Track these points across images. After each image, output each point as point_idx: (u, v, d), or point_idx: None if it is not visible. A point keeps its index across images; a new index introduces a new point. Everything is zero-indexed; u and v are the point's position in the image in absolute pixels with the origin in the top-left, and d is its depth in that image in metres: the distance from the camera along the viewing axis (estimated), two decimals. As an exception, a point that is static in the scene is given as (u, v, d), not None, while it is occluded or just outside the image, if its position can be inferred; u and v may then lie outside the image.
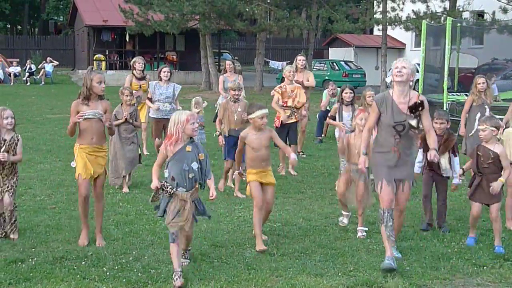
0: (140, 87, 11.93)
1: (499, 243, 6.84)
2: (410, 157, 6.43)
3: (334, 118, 10.02)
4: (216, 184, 7.55)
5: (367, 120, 6.81)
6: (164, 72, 11.31)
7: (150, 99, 11.39)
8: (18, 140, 7.02)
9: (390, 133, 6.26)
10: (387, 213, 6.24)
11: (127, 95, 9.66)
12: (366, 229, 7.44)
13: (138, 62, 12.01)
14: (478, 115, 10.00)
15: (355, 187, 7.43)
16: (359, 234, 7.33)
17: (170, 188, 5.85)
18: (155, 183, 5.86)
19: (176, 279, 5.71)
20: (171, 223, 5.87)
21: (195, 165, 5.91)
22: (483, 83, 10.28)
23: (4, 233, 7.02)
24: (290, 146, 10.24)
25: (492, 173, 6.80)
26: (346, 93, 9.73)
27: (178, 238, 5.89)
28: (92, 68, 7.17)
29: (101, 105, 6.85)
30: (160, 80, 11.32)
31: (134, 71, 12.10)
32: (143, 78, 12.02)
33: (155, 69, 29.07)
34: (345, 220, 7.70)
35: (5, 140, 6.92)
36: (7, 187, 7.00)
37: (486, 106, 10.24)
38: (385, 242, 6.24)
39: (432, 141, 6.38)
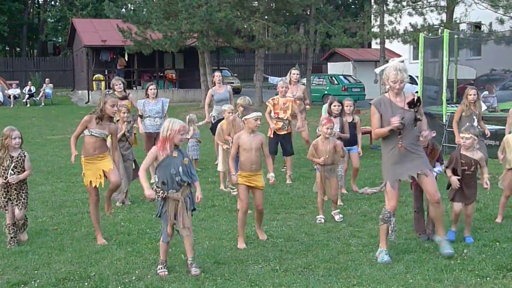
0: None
1: (469, 234, 7.57)
2: (418, 150, 6.77)
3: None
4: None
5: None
6: (151, 89, 11.79)
7: (141, 116, 11.56)
8: (24, 156, 7.59)
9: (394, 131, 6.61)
10: (392, 216, 6.76)
11: (124, 112, 9.77)
12: (339, 210, 8.87)
13: (116, 84, 11.86)
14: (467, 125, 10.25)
15: (329, 183, 8.69)
16: (337, 217, 8.71)
17: (162, 192, 6.34)
18: (148, 193, 6.33)
19: (160, 268, 6.45)
20: (169, 224, 6.41)
21: (181, 169, 6.37)
22: (474, 94, 10.71)
23: (17, 241, 7.61)
24: (285, 157, 11.66)
25: (470, 178, 7.56)
26: (335, 106, 10.07)
27: (169, 239, 6.52)
28: (109, 91, 8.05)
29: (109, 128, 7.60)
30: (148, 97, 11.73)
31: (115, 93, 11.97)
32: (124, 97, 11.91)
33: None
34: (323, 220, 8.66)
35: (12, 157, 7.47)
36: (17, 202, 7.57)
37: (475, 117, 10.64)
38: (381, 235, 6.90)
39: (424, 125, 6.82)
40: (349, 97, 11.23)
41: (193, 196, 6.56)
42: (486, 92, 18.01)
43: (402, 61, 6.94)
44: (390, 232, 6.82)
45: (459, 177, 7.51)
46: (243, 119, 7.57)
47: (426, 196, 7.04)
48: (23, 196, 7.62)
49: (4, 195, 7.54)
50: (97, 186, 7.64)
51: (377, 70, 7.17)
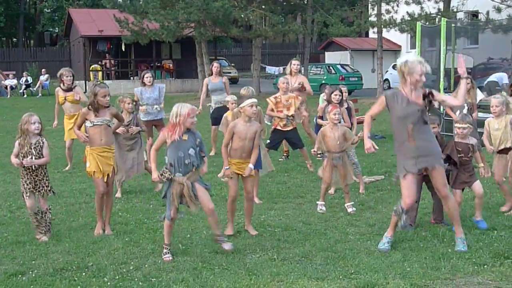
0: (65, 99, 11.80)
1: (481, 217, 7.64)
2: (430, 143, 6.71)
3: (322, 118, 10.63)
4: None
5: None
6: (147, 77, 11.78)
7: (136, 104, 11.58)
8: (43, 143, 7.45)
9: (403, 125, 6.56)
10: (404, 213, 6.73)
11: (128, 103, 9.69)
12: (352, 203, 8.63)
13: (65, 75, 11.76)
14: (457, 113, 10.50)
15: (338, 171, 8.56)
16: (349, 210, 8.46)
17: (168, 174, 6.44)
18: (154, 176, 6.53)
19: (165, 253, 6.57)
20: (172, 206, 6.52)
21: (192, 151, 6.47)
22: (468, 83, 10.55)
23: (45, 231, 7.48)
24: (301, 150, 11.44)
25: (467, 164, 7.62)
26: (336, 94, 10.16)
27: (174, 219, 6.64)
28: (97, 81, 7.69)
29: (109, 112, 7.63)
30: (144, 85, 11.74)
31: (61, 84, 11.88)
32: (69, 89, 11.83)
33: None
34: (324, 208, 8.60)
35: (30, 144, 7.36)
36: (40, 189, 7.47)
37: (466, 105, 10.76)
38: (391, 224, 6.93)
39: (462, 89, 6.77)
40: (341, 84, 11.35)
41: (202, 181, 6.69)
42: (504, 93, 17.82)
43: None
44: (400, 226, 6.88)
45: (455, 165, 7.56)
46: (239, 108, 7.57)
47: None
48: (46, 184, 7.49)
49: (28, 182, 7.40)
50: (101, 177, 7.58)
51: (399, 60, 6.97)
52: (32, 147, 7.35)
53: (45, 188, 7.49)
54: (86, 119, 7.61)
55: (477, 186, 7.65)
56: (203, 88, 13.40)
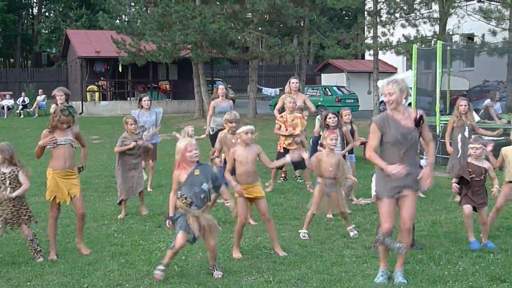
0: None
1: (487, 239, 7.77)
2: (415, 168, 6.40)
3: (322, 145, 10.06)
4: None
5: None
6: (145, 101, 11.87)
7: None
8: (18, 171, 7.36)
9: (396, 150, 6.24)
10: (387, 237, 6.36)
11: (131, 124, 9.79)
12: (354, 226, 8.54)
13: (58, 96, 11.73)
14: (460, 136, 10.69)
15: (328, 199, 8.32)
16: (352, 234, 8.35)
17: (185, 204, 6.47)
18: (171, 214, 6.57)
19: (160, 269, 6.52)
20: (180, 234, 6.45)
21: (205, 186, 6.51)
22: (465, 105, 10.88)
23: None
24: (302, 171, 11.70)
25: (479, 186, 7.70)
26: (330, 118, 9.92)
27: (179, 248, 6.50)
28: (65, 106, 7.69)
29: (71, 132, 7.52)
30: (142, 108, 11.78)
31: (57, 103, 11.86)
32: None
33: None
34: (306, 235, 8.38)
35: (4, 174, 7.27)
36: (22, 219, 7.37)
37: (466, 127, 10.79)
38: (380, 256, 6.61)
39: (431, 154, 6.55)
40: (346, 107, 11.35)
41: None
42: (488, 100, 17.91)
43: (408, 76, 6.78)
44: (392, 251, 6.48)
45: (467, 184, 7.68)
46: (237, 133, 7.64)
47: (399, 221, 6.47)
48: (25, 212, 7.40)
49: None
50: (61, 203, 7.52)
51: (379, 83, 6.93)
52: (7, 177, 7.28)
53: (23, 218, 7.39)
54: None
55: (483, 213, 7.76)
56: (209, 111, 13.25)
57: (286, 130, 11.45)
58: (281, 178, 12.75)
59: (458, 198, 8.09)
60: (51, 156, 7.51)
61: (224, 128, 10.02)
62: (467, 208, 7.73)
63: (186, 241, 6.51)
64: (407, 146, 6.24)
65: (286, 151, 11.37)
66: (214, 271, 6.69)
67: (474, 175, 7.65)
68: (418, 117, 6.29)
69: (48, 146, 7.43)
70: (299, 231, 8.49)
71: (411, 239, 6.66)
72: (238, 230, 7.52)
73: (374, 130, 6.32)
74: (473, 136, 8.28)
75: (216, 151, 9.56)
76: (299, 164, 11.39)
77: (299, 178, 12.73)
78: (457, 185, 7.80)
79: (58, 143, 7.37)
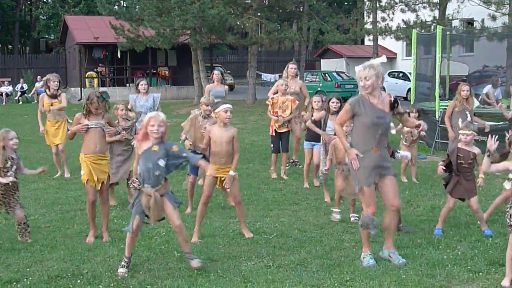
0: (52, 105, 11.84)
1: (485, 226, 7.70)
2: (387, 154, 6.65)
3: (316, 124, 10.10)
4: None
5: (349, 126, 7.10)
6: (142, 85, 11.68)
7: (130, 110, 11.51)
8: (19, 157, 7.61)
9: (372, 132, 6.39)
10: (374, 220, 6.42)
11: (121, 109, 9.67)
12: (358, 215, 8.09)
13: (52, 81, 11.76)
14: (460, 120, 10.59)
15: (348, 182, 8.11)
16: (352, 219, 8.32)
17: (137, 184, 6.22)
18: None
19: (122, 265, 6.36)
20: (136, 216, 6.33)
21: (161, 163, 6.20)
22: (467, 90, 10.97)
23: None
24: (282, 154, 11.65)
25: (467, 172, 7.64)
26: (333, 102, 9.74)
27: (136, 231, 6.40)
28: (97, 91, 7.84)
29: (103, 117, 7.63)
30: (139, 93, 11.64)
31: (47, 90, 11.92)
32: (55, 96, 11.82)
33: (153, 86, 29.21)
34: (338, 216, 8.47)
35: (13, 159, 7.43)
36: (16, 203, 7.56)
37: (467, 112, 10.87)
38: (364, 241, 6.62)
39: (411, 122, 7.14)
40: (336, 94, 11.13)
41: (174, 194, 6.57)
42: (490, 86, 17.79)
43: (383, 62, 6.72)
44: (372, 235, 6.56)
45: (455, 172, 7.60)
46: (214, 113, 7.59)
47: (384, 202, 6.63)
48: (17, 196, 7.59)
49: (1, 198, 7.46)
50: (93, 185, 7.53)
51: (356, 68, 6.87)
52: (16, 162, 7.44)
53: (19, 201, 7.62)
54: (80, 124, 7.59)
55: (473, 201, 7.67)
56: (205, 94, 13.33)
57: (274, 112, 11.56)
58: (291, 164, 12.80)
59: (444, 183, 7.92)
60: (83, 140, 7.62)
61: None
62: (452, 201, 7.72)
63: (143, 223, 6.44)
64: (383, 129, 6.42)
65: (278, 134, 11.63)
66: (191, 260, 6.38)
67: (463, 161, 7.58)
68: (392, 100, 6.46)
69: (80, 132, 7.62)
70: (333, 209, 8.59)
71: (396, 217, 6.80)
72: (200, 209, 7.59)
73: (347, 109, 6.51)
74: (463, 122, 8.24)
75: (183, 132, 9.12)
76: (283, 148, 11.72)
77: (298, 164, 12.74)
78: (443, 167, 7.71)
79: (89, 126, 7.50)
